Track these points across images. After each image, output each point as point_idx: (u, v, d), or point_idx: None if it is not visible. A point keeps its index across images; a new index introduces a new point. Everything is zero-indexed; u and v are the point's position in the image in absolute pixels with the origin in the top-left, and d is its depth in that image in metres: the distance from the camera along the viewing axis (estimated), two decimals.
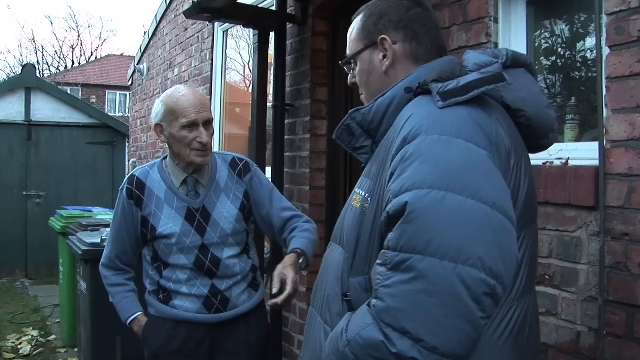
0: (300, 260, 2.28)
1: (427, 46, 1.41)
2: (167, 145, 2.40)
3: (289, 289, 2.08)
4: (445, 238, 1.07)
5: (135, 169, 2.46)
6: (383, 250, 1.14)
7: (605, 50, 2.05)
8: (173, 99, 2.30)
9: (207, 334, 2.36)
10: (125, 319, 2.45)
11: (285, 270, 2.15)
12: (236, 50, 5.73)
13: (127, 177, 2.44)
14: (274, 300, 2.07)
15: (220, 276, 2.35)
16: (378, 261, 1.15)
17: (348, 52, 1.52)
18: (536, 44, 2.60)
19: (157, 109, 2.33)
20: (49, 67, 33.40)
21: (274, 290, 2.09)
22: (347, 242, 1.34)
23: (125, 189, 2.39)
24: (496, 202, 1.11)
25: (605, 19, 2.05)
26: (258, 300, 2.50)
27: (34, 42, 40.25)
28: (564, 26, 2.56)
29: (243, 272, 2.42)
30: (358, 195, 1.34)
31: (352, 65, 1.51)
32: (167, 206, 2.34)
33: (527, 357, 1.32)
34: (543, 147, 1.50)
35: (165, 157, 2.44)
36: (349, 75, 1.55)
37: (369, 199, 1.29)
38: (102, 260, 2.51)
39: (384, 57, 1.42)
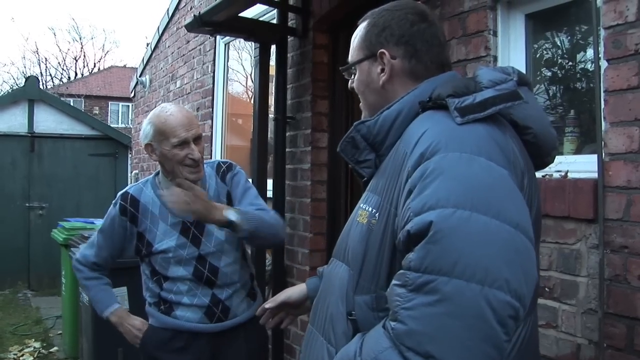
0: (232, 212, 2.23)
1: (427, 64, 1.37)
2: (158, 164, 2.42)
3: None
4: (472, 259, 1.04)
5: (129, 187, 2.49)
6: (402, 271, 1.10)
7: (603, 64, 2.07)
8: (161, 119, 2.30)
9: (208, 343, 2.37)
10: (102, 310, 2.52)
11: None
12: (238, 61, 5.76)
13: (121, 193, 2.46)
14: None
15: (219, 285, 2.37)
16: (396, 282, 1.11)
17: (349, 58, 1.48)
18: (536, 57, 2.61)
19: (146, 129, 2.34)
20: (52, 78, 33.48)
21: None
22: (353, 259, 1.29)
23: (118, 204, 2.42)
24: (519, 223, 1.10)
25: (602, 33, 2.07)
26: (256, 309, 2.50)
27: (37, 53, 40.21)
28: (562, 39, 2.58)
29: (242, 279, 2.45)
30: (364, 210, 1.30)
31: (353, 70, 1.48)
32: (162, 222, 2.37)
33: None
34: (544, 165, 1.48)
35: (157, 174, 2.46)
36: (349, 80, 1.51)
37: (377, 214, 1.25)
38: (78, 256, 2.58)
39: (382, 70, 1.39)
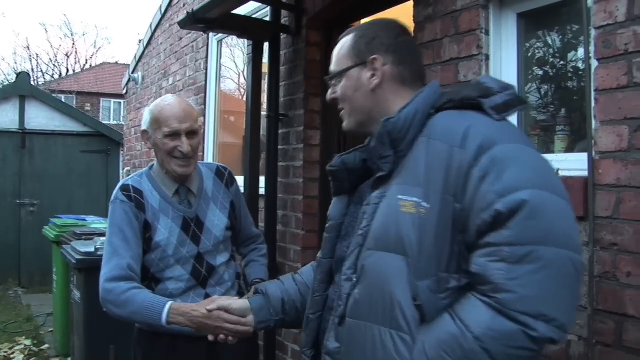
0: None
1: (412, 71, 1.54)
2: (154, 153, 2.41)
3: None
4: (560, 230, 1.25)
5: (125, 179, 2.41)
6: (494, 248, 1.24)
7: (594, 63, 2.09)
8: (159, 107, 2.32)
9: (204, 347, 2.23)
10: (159, 312, 2.09)
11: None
12: (231, 58, 5.75)
13: (118, 187, 2.34)
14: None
15: (212, 284, 2.35)
16: (490, 259, 1.24)
17: (335, 67, 1.61)
18: (527, 56, 2.63)
19: (145, 116, 2.36)
20: (43, 74, 33.26)
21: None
22: (409, 247, 1.35)
23: (122, 196, 2.30)
24: (569, 199, 1.32)
25: (593, 32, 2.09)
26: None
27: (29, 49, 39.71)
28: (554, 38, 2.59)
29: (231, 279, 2.44)
30: (407, 202, 1.37)
31: (337, 81, 1.60)
32: (163, 216, 2.32)
33: None
34: None
35: (151, 167, 2.43)
36: (330, 90, 1.62)
37: (424, 203, 1.34)
38: (107, 275, 2.19)
39: (373, 76, 1.52)
